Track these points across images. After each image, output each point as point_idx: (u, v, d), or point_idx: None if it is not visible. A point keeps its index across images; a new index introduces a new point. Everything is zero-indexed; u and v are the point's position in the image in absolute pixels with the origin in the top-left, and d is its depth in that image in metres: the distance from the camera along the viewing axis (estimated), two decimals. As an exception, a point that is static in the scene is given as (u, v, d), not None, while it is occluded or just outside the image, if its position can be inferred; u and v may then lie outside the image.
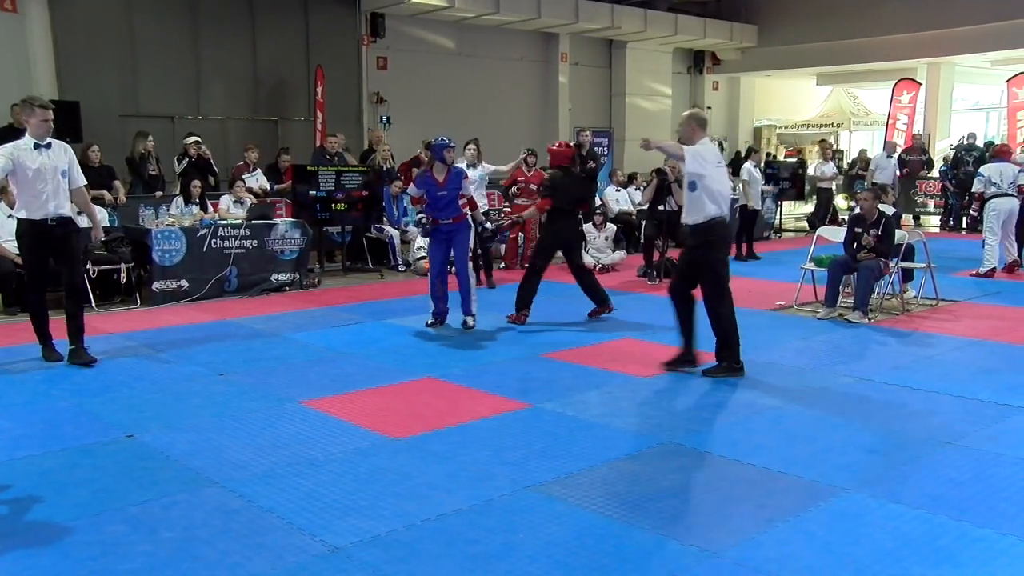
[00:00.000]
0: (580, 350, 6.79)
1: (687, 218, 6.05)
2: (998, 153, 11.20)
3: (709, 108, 22.01)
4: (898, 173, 16.05)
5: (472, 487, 4.10)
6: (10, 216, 7.47)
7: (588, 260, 11.26)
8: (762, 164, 13.31)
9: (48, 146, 6.34)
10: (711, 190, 5.93)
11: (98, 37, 12.74)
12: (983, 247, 10.57)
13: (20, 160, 6.19)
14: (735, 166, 14.46)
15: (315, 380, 5.97)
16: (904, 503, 3.89)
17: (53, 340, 6.67)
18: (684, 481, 4.22)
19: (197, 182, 10.29)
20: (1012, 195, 10.60)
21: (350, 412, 5.27)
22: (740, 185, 12.33)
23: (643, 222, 10.97)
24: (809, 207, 18.09)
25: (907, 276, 8.79)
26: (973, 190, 10.44)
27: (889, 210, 8.55)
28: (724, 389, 5.75)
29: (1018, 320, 8.02)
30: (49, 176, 6.29)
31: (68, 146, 6.64)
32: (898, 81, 19.55)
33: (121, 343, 7.19)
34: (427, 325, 7.71)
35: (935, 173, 17.29)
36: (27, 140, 6.30)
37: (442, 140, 7.73)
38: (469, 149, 10.71)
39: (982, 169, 10.51)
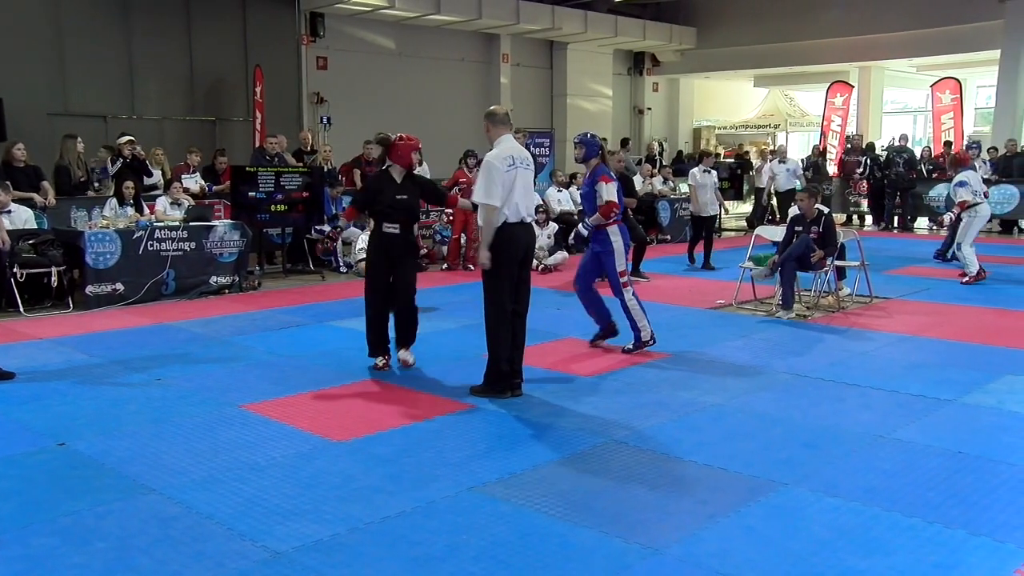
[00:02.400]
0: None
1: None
2: (962, 161, 11.15)
3: (649, 109, 22.32)
4: (799, 179, 15.76)
5: (415, 489, 4.08)
6: None
7: (554, 260, 11.33)
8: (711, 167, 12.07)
9: None
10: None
11: (22, 31, 12.34)
12: (960, 252, 10.25)
13: None
14: (680, 169, 14.60)
15: (255, 384, 5.87)
16: (840, 496, 3.99)
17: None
18: (626, 479, 4.25)
19: (131, 183, 10.04)
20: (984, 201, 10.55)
21: (291, 416, 5.20)
22: (689, 190, 12.08)
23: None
24: (748, 207, 18.46)
25: (841, 274, 9.02)
26: (962, 199, 10.21)
27: (824, 209, 8.76)
28: (666, 388, 5.82)
29: (946, 316, 8.29)
30: None
31: None
32: (832, 84, 20.09)
33: (52, 348, 6.97)
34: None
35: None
36: None
37: None
38: None
39: (964, 177, 10.29)
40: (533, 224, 5.68)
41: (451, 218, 12.00)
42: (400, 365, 6.34)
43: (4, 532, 3.64)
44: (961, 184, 10.30)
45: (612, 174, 6.80)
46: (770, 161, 16.68)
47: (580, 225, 7.21)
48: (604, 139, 7.23)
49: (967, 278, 10.05)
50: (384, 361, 6.29)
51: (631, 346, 6.77)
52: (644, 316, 6.76)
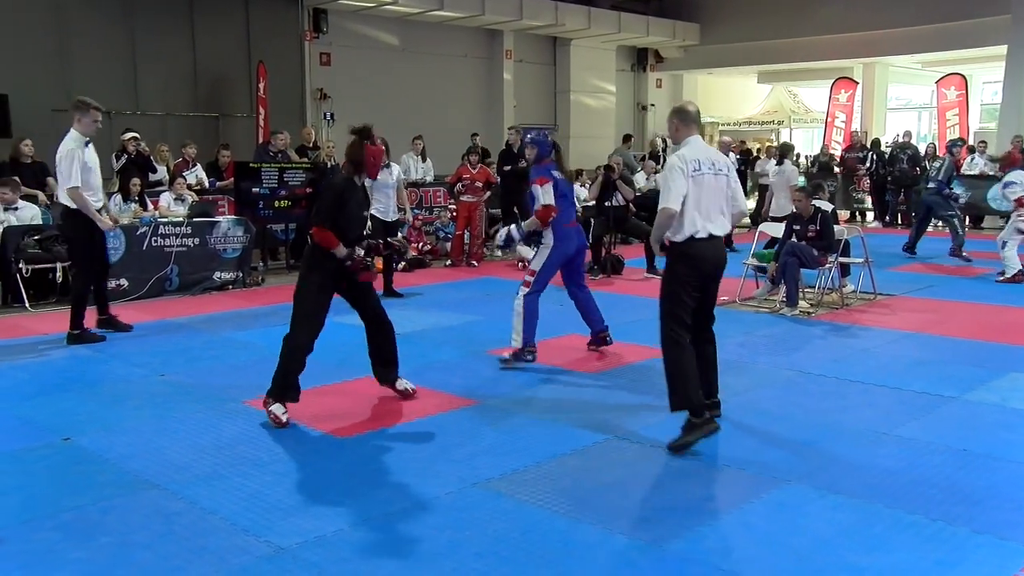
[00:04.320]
0: (526, 346, 6.80)
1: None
2: (1013, 162, 11.08)
3: (653, 105, 22.29)
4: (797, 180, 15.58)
5: (417, 485, 4.09)
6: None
7: (528, 254, 11.24)
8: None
9: (89, 143, 6.91)
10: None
11: (27, 27, 12.35)
12: (1004, 252, 9.99)
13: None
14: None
15: (258, 380, 5.85)
16: (842, 493, 3.98)
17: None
18: (629, 476, 4.26)
19: (136, 179, 10.05)
20: None
21: (294, 411, 5.19)
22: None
23: (591, 219, 11.01)
24: (751, 203, 18.41)
25: (845, 271, 9.01)
26: (1018, 195, 10.16)
27: (826, 206, 8.75)
28: (668, 383, 5.81)
29: (950, 313, 8.27)
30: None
31: None
32: (836, 80, 20.04)
33: (57, 344, 6.99)
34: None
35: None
36: (80, 138, 6.83)
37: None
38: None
39: (1014, 177, 10.13)
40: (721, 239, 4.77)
41: (454, 214, 12.00)
42: (402, 395, 5.50)
43: (7, 527, 3.65)
44: (1010, 184, 10.25)
45: (555, 174, 6.23)
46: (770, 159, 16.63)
47: (512, 227, 6.55)
48: (556, 144, 6.55)
49: (1003, 277, 9.86)
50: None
51: (508, 356, 6.16)
52: (527, 326, 6.12)
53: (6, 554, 3.43)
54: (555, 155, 6.42)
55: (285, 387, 5.02)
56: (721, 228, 4.74)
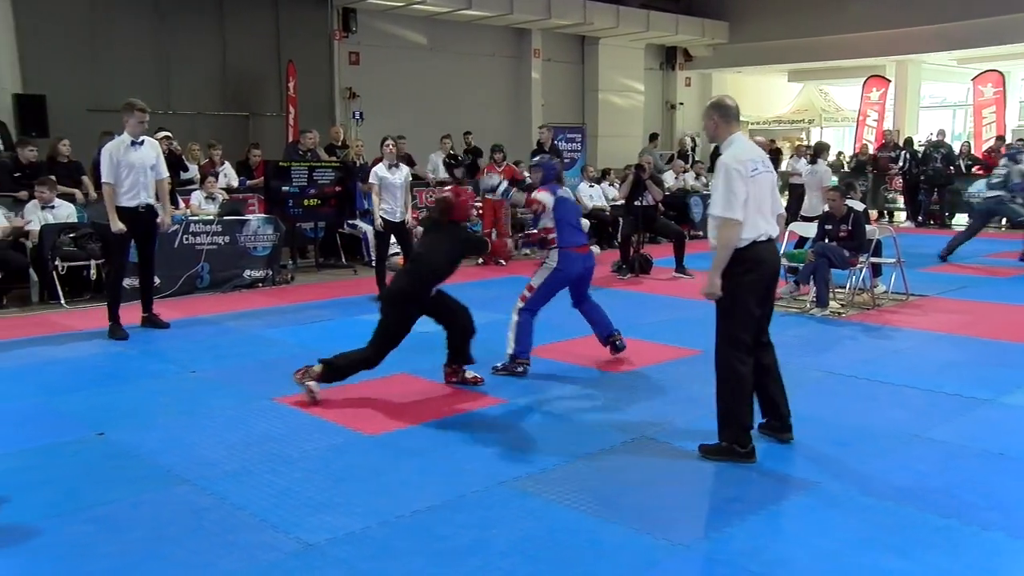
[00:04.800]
0: (553, 346, 6.79)
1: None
2: None
3: (681, 104, 22.17)
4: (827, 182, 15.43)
5: (445, 483, 4.10)
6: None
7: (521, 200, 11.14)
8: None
9: (141, 143, 7.21)
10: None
11: (63, 29, 12.55)
12: None
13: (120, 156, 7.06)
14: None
15: (287, 377, 5.92)
16: (873, 495, 3.94)
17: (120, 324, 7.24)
18: (656, 475, 4.24)
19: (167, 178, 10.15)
20: None
21: (323, 409, 5.24)
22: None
23: (620, 218, 10.98)
24: (782, 202, 18.25)
25: (877, 271, 8.90)
26: None
27: (859, 206, 8.66)
28: (696, 385, 5.77)
29: (983, 314, 8.14)
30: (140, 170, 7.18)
31: (156, 142, 7.69)
32: (868, 78, 19.80)
33: (90, 340, 7.10)
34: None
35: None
36: (125, 138, 7.14)
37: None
38: (387, 147, 8.95)
39: None
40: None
41: (480, 213, 12.03)
42: (472, 381, 5.77)
43: (44, 519, 3.72)
44: None
45: (560, 194, 6.22)
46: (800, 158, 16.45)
47: (508, 183, 6.97)
48: (561, 160, 6.73)
49: None
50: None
51: (500, 365, 6.03)
52: (519, 340, 5.98)
53: (42, 545, 3.49)
54: (557, 178, 6.48)
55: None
56: (775, 228, 4.47)
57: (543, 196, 6.21)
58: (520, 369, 6.00)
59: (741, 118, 4.68)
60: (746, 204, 4.25)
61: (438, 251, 5.61)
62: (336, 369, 5.41)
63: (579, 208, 6.46)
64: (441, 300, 5.70)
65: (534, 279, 6.14)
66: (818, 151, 11.46)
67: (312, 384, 5.38)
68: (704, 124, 4.61)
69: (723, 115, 4.43)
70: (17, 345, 6.91)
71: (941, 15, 17.64)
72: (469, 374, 5.81)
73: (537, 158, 6.69)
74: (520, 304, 6.08)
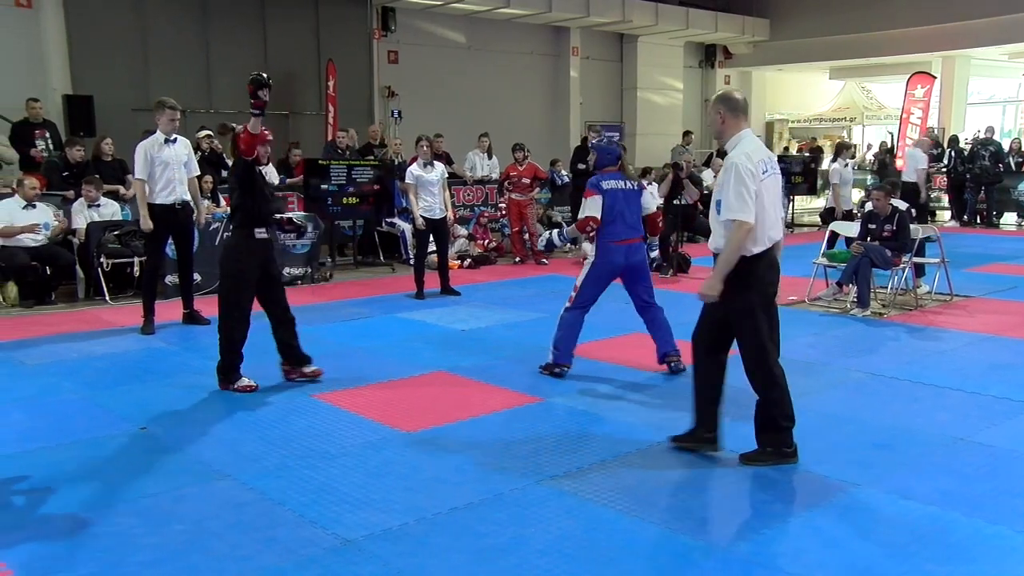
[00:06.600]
0: (591, 345, 6.77)
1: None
2: None
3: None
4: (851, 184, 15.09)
5: (482, 481, 4.11)
6: (29, 207, 8.71)
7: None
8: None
9: (174, 141, 7.35)
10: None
11: (110, 31, 12.81)
12: None
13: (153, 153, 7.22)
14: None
15: (327, 373, 5.97)
16: (916, 499, 3.87)
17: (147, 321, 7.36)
18: (694, 476, 4.21)
19: (209, 176, 10.31)
20: None
21: (361, 405, 5.28)
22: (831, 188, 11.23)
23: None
24: (821, 201, 18.01)
25: (920, 271, 8.75)
26: None
27: (902, 205, 8.51)
28: (733, 385, 5.72)
29: (1032, 316, 7.96)
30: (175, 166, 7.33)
31: (187, 140, 7.79)
32: (912, 75, 19.41)
33: (134, 336, 7.22)
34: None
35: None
36: (158, 136, 7.30)
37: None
38: (422, 146, 9.03)
39: None
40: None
41: (505, 211, 12.06)
42: (310, 378, 5.85)
43: (91, 510, 3.80)
44: None
45: (606, 186, 5.85)
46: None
47: (555, 232, 6.64)
48: (623, 147, 6.30)
49: None
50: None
51: (542, 365, 6.00)
52: (562, 340, 5.91)
53: (89, 535, 3.56)
54: (620, 164, 6.08)
55: None
56: (780, 232, 4.27)
57: (590, 205, 5.86)
58: (558, 371, 5.96)
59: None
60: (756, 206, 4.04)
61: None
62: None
63: (637, 194, 5.99)
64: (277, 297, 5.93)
65: (580, 277, 6.05)
66: (838, 151, 11.39)
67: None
68: (709, 119, 4.40)
69: (731, 109, 4.20)
70: (63, 340, 7.05)
71: (991, 8, 17.22)
72: (308, 368, 5.92)
73: (595, 140, 6.41)
74: (567, 304, 6.01)
